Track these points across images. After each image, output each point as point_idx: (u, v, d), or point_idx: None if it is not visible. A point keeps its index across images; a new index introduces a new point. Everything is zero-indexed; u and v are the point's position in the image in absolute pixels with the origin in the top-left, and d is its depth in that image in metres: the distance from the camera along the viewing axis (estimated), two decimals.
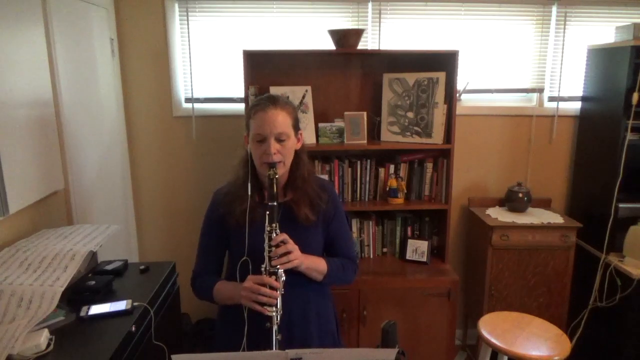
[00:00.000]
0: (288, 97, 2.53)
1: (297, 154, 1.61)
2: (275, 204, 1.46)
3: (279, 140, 1.50)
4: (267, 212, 1.45)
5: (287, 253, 1.45)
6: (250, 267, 1.51)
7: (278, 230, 1.46)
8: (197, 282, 1.66)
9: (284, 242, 1.45)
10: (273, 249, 1.43)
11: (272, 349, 1.38)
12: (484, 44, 2.85)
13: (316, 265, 1.58)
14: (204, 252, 1.68)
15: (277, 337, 1.40)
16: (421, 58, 2.60)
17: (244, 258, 1.52)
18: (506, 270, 2.65)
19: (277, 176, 1.48)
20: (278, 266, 1.43)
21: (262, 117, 1.49)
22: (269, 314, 1.40)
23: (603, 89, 2.67)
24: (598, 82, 2.72)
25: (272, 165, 1.49)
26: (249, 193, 1.54)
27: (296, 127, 1.58)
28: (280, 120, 1.50)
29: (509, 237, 2.61)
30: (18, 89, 1.74)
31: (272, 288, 1.41)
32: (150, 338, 1.58)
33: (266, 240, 1.44)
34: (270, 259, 1.43)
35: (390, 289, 2.48)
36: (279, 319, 1.41)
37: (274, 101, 1.52)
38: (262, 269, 1.44)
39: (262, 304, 1.40)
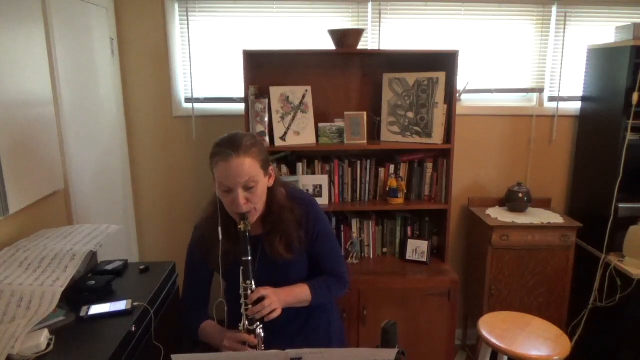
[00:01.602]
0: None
1: (271, 189, 1.52)
2: (249, 258, 1.39)
3: (247, 188, 1.39)
4: (241, 268, 1.39)
5: (265, 309, 1.40)
6: (226, 309, 1.52)
7: (254, 286, 1.41)
8: (185, 321, 1.66)
9: (261, 298, 1.41)
10: (250, 307, 1.39)
11: None
12: (484, 44, 2.85)
13: (298, 298, 1.55)
14: (190, 285, 1.67)
15: None
16: (421, 58, 2.60)
17: (219, 300, 1.53)
18: (506, 270, 2.65)
19: (249, 229, 1.40)
20: (257, 324, 1.40)
21: (225, 168, 1.37)
22: None
23: (603, 89, 2.67)
24: (598, 82, 2.72)
25: (242, 217, 1.40)
26: (220, 238, 1.47)
27: (265, 167, 1.45)
28: (246, 168, 1.37)
29: (509, 237, 2.61)
30: (18, 89, 1.74)
31: (252, 347, 1.39)
32: (150, 338, 1.58)
33: (242, 298, 1.39)
34: (247, 316, 1.40)
35: (390, 289, 2.48)
36: None
37: (236, 147, 1.38)
38: (240, 327, 1.41)
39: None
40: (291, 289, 1.54)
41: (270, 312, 1.41)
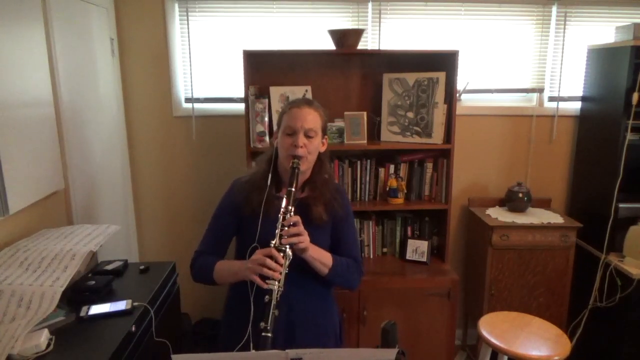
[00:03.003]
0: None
1: (320, 157, 1.69)
2: (293, 189, 1.53)
3: (308, 136, 1.59)
4: (285, 195, 1.52)
5: (298, 234, 1.49)
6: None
7: (293, 213, 1.51)
8: (198, 262, 1.68)
9: (296, 224, 1.50)
10: (285, 228, 1.48)
11: (268, 323, 1.36)
12: (484, 44, 2.85)
13: (321, 256, 1.60)
14: (211, 234, 1.72)
15: (274, 311, 1.39)
16: (421, 58, 2.60)
17: (254, 245, 1.56)
18: (506, 270, 2.65)
19: (299, 165, 1.56)
20: (287, 245, 1.47)
21: (296, 112, 1.60)
22: (269, 286, 1.41)
23: (603, 89, 2.67)
24: (598, 82, 2.72)
25: (295, 158, 1.57)
26: (269, 183, 1.60)
27: (324, 130, 1.67)
28: (312, 118, 1.60)
29: (509, 237, 2.61)
30: (18, 89, 1.75)
31: (277, 263, 1.44)
32: (150, 338, 1.58)
33: (280, 219, 1.49)
34: (281, 237, 1.48)
35: (390, 289, 2.48)
36: (279, 294, 1.42)
37: (310, 102, 1.66)
38: (272, 245, 1.47)
39: (265, 279, 1.42)
40: (317, 247, 1.60)
41: (299, 241, 1.49)
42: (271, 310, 1.39)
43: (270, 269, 1.42)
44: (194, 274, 1.68)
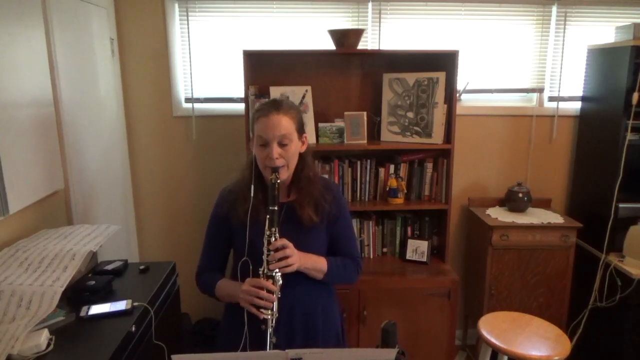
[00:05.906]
0: (288, 98, 2.56)
1: (302, 156, 1.61)
2: (275, 208, 1.47)
3: (282, 144, 1.51)
4: (267, 216, 1.47)
5: (285, 258, 1.46)
6: (251, 267, 1.53)
7: (277, 235, 1.47)
8: (201, 278, 1.69)
9: (283, 247, 1.47)
10: (272, 253, 1.45)
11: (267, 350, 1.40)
12: (484, 44, 2.85)
13: (315, 264, 1.59)
14: (208, 248, 1.71)
15: (272, 339, 1.42)
16: (421, 58, 2.60)
17: (244, 259, 1.54)
18: (506, 270, 2.65)
19: (278, 181, 1.49)
20: (275, 270, 1.45)
21: (265, 122, 1.50)
22: (264, 316, 1.42)
23: (603, 89, 2.67)
24: (598, 82, 2.72)
25: (274, 170, 1.50)
26: (252, 194, 1.55)
27: (300, 131, 1.58)
28: (283, 124, 1.50)
29: (509, 237, 2.61)
30: (18, 89, 1.75)
31: (269, 291, 1.43)
32: (150, 338, 1.58)
33: (265, 244, 1.46)
34: (268, 262, 1.45)
35: (390, 289, 2.48)
36: (274, 321, 1.43)
37: (277, 106, 1.53)
38: (260, 273, 1.46)
39: (259, 307, 1.43)
40: (309, 254, 1.58)
41: (287, 265, 1.46)
42: (269, 340, 1.41)
43: (262, 299, 1.42)
44: (200, 290, 1.70)
